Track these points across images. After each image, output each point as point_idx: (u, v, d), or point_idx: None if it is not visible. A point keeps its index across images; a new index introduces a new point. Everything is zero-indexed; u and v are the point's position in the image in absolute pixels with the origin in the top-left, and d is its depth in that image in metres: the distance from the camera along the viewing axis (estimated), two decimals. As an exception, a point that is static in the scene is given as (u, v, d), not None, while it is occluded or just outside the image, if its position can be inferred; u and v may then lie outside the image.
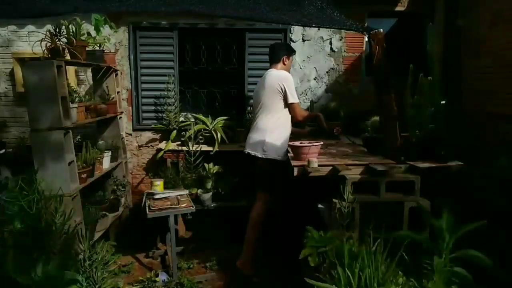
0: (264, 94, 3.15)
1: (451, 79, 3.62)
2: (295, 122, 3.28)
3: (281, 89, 3.08)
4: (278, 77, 3.11)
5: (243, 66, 4.19)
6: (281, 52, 3.23)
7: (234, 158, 3.74)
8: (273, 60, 3.25)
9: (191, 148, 3.85)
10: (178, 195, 3.42)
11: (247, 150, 3.22)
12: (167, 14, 3.96)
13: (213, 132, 3.88)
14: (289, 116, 3.20)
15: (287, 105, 3.14)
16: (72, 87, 3.21)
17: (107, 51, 3.71)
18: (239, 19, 3.79)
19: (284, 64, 3.23)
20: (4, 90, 4.06)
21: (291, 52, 3.29)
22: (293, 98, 3.09)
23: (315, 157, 2.52)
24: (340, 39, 4.18)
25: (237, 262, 3.20)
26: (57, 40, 2.82)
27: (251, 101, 4.23)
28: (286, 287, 2.99)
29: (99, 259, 2.16)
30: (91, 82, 3.92)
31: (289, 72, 3.27)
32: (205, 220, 3.80)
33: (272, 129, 3.12)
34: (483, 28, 3.19)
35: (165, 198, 3.35)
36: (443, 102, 2.75)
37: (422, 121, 2.64)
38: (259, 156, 3.12)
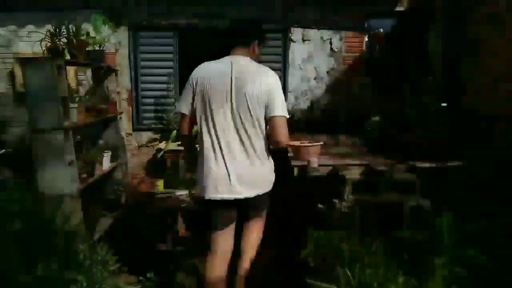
0: (248, 100, 1.97)
1: (451, 79, 3.62)
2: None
3: (267, 93, 1.99)
4: (262, 74, 2.04)
5: (243, 66, 4.18)
6: (257, 33, 2.15)
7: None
8: (239, 43, 2.09)
9: (191, 148, 3.85)
10: (178, 195, 3.41)
11: (236, 195, 2.03)
12: (167, 13, 3.97)
13: (213, 132, 3.88)
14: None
15: None
16: (72, 87, 3.21)
17: (107, 51, 3.71)
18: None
19: (254, 53, 2.13)
20: (4, 90, 4.06)
21: (263, 39, 2.22)
22: (281, 111, 2.02)
23: (315, 157, 2.52)
24: (340, 39, 4.17)
25: None
26: (57, 40, 2.82)
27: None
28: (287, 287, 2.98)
29: (99, 259, 2.16)
30: (91, 82, 3.91)
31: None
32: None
33: (262, 154, 2.08)
34: (483, 28, 3.19)
35: (165, 198, 3.34)
36: (443, 104, 2.76)
37: (422, 121, 2.64)
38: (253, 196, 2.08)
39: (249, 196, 2.02)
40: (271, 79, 2.01)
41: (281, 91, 2.03)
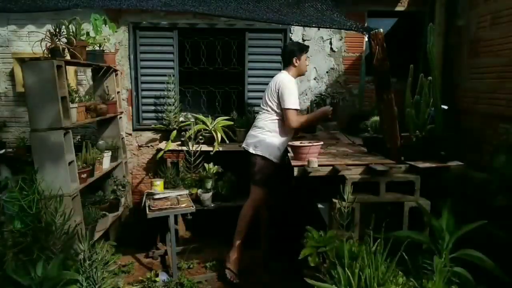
0: (266, 95, 3.22)
1: (451, 79, 3.62)
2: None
3: (277, 93, 3.10)
4: (277, 80, 3.15)
5: (243, 66, 4.19)
6: (290, 54, 3.19)
7: (234, 158, 3.74)
8: (284, 63, 3.28)
9: (191, 148, 3.85)
10: (178, 195, 3.41)
11: (243, 145, 3.33)
12: (167, 13, 3.96)
13: (213, 132, 3.88)
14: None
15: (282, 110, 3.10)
16: (72, 87, 3.21)
17: (107, 51, 3.71)
18: (239, 19, 3.79)
19: (295, 66, 3.20)
20: (4, 90, 4.06)
21: (301, 50, 3.20)
22: (286, 104, 3.03)
23: (315, 157, 2.52)
24: (340, 39, 4.17)
25: (225, 256, 3.26)
26: (57, 40, 2.82)
27: (251, 101, 4.24)
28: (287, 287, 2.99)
29: (99, 259, 2.16)
30: (91, 82, 3.92)
31: (305, 70, 3.30)
32: (205, 220, 3.80)
33: (267, 129, 3.17)
34: (483, 28, 3.18)
35: (165, 198, 3.34)
36: (444, 106, 2.75)
37: (422, 121, 2.64)
38: (250, 151, 3.19)
39: None
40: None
41: (288, 91, 3.06)
